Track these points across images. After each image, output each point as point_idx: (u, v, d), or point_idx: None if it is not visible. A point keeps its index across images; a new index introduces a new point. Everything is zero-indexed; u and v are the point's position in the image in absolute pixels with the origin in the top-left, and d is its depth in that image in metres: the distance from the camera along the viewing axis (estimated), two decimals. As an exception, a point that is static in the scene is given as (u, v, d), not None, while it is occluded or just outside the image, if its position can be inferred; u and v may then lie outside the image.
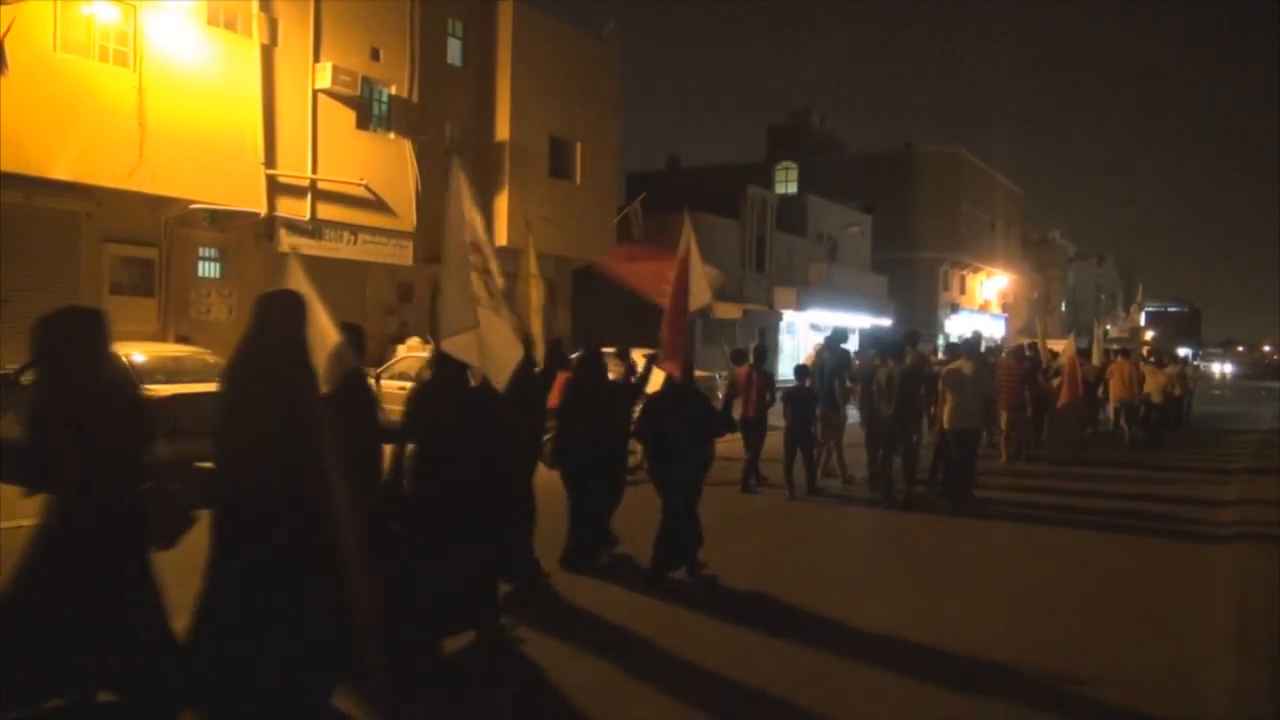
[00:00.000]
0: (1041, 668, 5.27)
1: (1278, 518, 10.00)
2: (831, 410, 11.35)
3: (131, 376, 4.07)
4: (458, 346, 5.08)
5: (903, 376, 10.07)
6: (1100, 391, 17.16)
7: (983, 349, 14.06)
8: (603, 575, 6.77)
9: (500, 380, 5.39)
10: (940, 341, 33.83)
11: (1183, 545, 8.78)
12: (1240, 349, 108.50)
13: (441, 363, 5.28)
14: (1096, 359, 18.48)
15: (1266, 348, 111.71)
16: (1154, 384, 17.96)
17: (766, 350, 12.03)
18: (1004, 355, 15.50)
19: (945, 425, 10.49)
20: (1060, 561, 8.03)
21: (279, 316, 4.29)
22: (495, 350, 5.36)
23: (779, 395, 11.22)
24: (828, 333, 13.68)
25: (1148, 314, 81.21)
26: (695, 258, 7.20)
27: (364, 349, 5.47)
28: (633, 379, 8.11)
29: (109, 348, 4.24)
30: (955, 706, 4.76)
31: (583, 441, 6.91)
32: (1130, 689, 5.00)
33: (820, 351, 12.07)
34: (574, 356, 7.86)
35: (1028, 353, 15.96)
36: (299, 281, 5.05)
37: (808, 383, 11.09)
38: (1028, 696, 4.88)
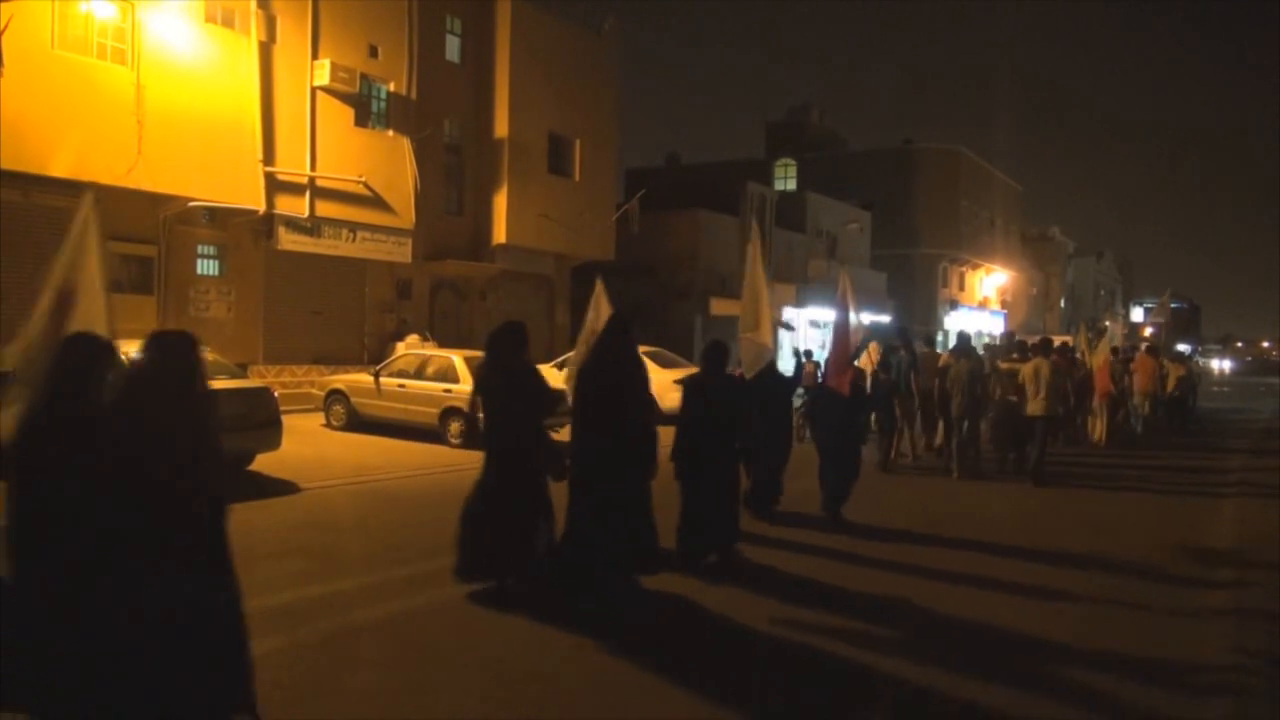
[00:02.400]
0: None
1: (1273, 480, 12.61)
2: (909, 399, 13.20)
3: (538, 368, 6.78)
4: (747, 340, 8.75)
5: (969, 374, 12.19)
6: (1127, 382, 18.65)
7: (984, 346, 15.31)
8: (778, 519, 9.01)
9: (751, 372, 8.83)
10: (981, 342, 33.98)
11: (1197, 503, 11.23)
12: (1239, 345, 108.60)
13: (711, 363, 7.48)
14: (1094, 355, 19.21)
15: (1265, 344, 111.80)
16: (1174, 377, 20.00)
17: (861, 350, 13.75)
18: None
19: (1027, 413, 12.20)
20: (1110, 515, 10.23)
21: (620, 332, 6.68)
22: (760, 354, 8.93)
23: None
24: (893, 331, 15.95)
25: (1145, 310, 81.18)
26: (851, 299, 9.49)
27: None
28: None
29: (524, 347, 6.43)
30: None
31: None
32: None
33: (897, 349, 13.83)
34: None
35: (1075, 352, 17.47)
36: (605, 302, 8.44)
37: (894, 375, 13.04)
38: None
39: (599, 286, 8.77)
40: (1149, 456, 15.31)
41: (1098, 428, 16.55)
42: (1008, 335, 16.54)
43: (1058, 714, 4.73)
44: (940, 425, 13.50)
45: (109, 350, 4.08)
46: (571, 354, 10.25)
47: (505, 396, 6.32)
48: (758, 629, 5.82)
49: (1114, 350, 19.91)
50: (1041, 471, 11.97)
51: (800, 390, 10.77)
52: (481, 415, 6.41)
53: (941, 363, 13.08)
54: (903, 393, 12.97)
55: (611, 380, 6.46)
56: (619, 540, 6.35)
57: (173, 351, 3.84)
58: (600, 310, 8.14)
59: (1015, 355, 14.38)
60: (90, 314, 4.42)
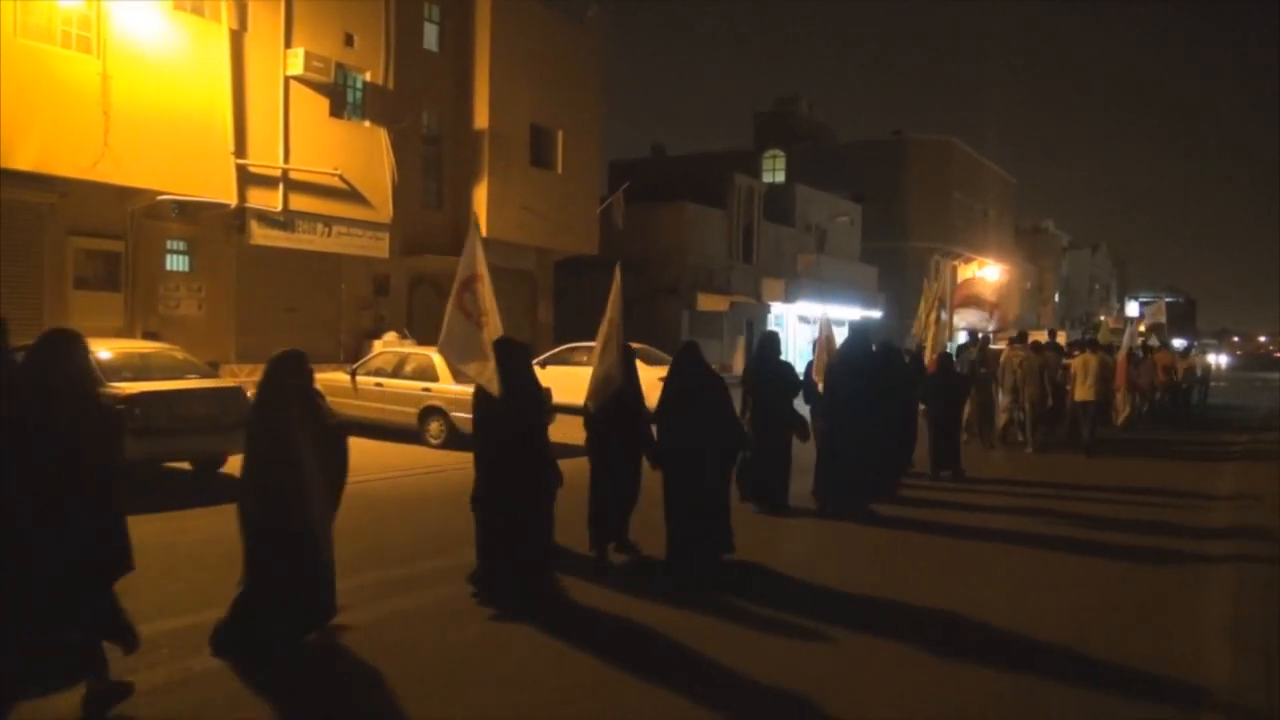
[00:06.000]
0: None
1: (1271, 450, 16.33)
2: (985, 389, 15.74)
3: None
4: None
5: (1040, 365, 15.03)
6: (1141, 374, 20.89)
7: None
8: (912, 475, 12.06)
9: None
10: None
11: (1211, 464, 14.80)
12: (1235, 339, 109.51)
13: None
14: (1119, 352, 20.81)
15: (1262, 338, 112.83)
16: (1181, 369, 22.85)
17: (959, 348, 16.51)
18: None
19: (1077, 398, 15.21)
20: (1145, 470, 13.92)
21: (864, 340, 10.61)
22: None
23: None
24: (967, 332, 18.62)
25: (1141, 305, 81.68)
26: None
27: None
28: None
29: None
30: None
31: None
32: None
33: (968, 346, 16.76)
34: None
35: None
36: (831, 327, 10.71)
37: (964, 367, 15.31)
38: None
39: (825, 319, 11.15)
40: (1167, 435, 18.60)
41: (1122, 414, 19.38)
42: (1090, 335, 18.64)
43: (1118, 545, 8.65)
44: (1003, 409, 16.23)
45: None
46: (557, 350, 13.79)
47: (774, 385, 9.28)
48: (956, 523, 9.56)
49: (1144, 348, 22.13)
50: (1093, 445, 15.01)
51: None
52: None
53: (1005, 357, 15.96)
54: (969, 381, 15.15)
55: (865, 377, 9.77)
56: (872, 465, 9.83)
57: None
58: (828, 333, 10.66)
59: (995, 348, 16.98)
60: None
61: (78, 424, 4.33)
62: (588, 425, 7.52)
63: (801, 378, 10.25)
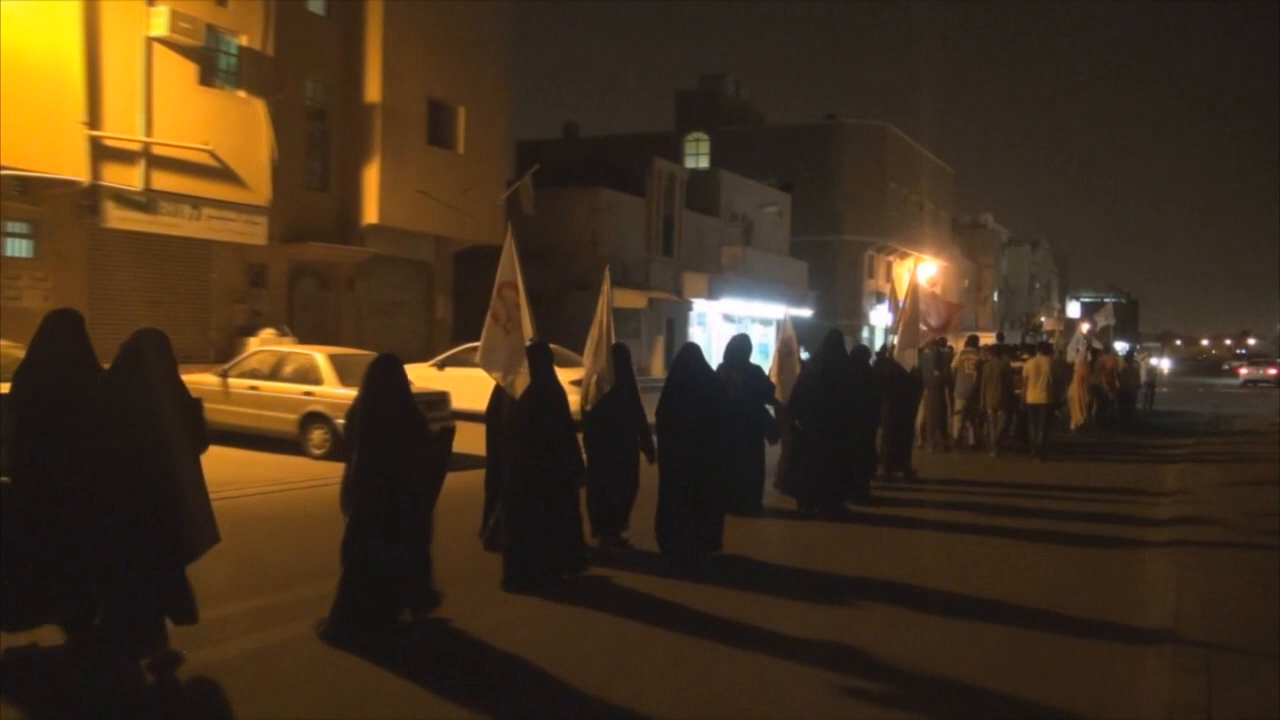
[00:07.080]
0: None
1: (1215, 451, 19.33)
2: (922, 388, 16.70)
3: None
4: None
5: (1001, 370, 16.60)
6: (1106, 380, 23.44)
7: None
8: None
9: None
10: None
11: (1157, 466, 16.48)
12: (1178, 343, 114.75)
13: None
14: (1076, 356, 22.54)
15: (1205, 342, 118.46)
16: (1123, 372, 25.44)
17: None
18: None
19: (1029, 400, 16.51)
20: (1096, 470, 16.10)
21: (839, 344, 11.75)
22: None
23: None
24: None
25: (1082, 305, 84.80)
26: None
27: None
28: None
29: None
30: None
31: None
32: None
33: (923, 350, 17.71)
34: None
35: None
36: (791, 335, 11.73)
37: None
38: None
39: (788, 321, 11.95)
40: (1114, 440, 20.53)
41: (1074, 415, 21.15)
42: (1046, 339, 20.00)
43: (1076, 534, 10.33)
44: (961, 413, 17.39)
45: None
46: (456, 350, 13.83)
47: (747, 387, 10.03)
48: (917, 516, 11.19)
49: (1093, 351, 23.57)
50: (1045, 448, 16.47)
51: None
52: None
53: (957, 360, 17.21)
54: (922, 384, 15.98)
55: (842, 378, 11.00)
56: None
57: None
58: (789, 334, 11.63)
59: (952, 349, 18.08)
60: None
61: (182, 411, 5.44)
62: (585, 425, 8.42)
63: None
